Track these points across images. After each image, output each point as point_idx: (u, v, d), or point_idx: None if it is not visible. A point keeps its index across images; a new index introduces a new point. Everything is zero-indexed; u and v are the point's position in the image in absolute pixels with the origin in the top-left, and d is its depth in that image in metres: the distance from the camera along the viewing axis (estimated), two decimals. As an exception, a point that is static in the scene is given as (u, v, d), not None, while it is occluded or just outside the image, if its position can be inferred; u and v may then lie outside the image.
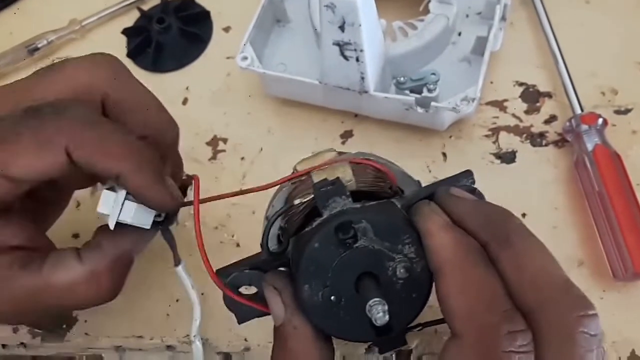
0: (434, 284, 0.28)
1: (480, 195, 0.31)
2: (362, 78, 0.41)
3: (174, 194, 0.31)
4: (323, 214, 0.29)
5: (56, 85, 0.32)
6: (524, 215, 0.43)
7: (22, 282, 0.31)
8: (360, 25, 0.38)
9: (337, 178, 0.30)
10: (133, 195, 0.31)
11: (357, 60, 0.40)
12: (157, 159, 0.32)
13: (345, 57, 0.40)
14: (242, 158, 0.48)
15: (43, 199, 0.36)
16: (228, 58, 0.52)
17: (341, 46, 0.39)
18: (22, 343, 0.45)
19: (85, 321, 0.44)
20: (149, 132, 0.34)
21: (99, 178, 0.34)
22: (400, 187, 0.33)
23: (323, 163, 0.32)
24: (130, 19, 0.56)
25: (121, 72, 0.35)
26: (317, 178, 0.31)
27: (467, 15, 0.48)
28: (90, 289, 0.32)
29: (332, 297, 0.28)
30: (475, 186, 0.32)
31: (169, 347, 0.44)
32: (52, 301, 0.32)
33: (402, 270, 0.28)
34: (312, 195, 0.30)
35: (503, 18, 0.46)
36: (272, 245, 0.32)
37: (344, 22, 0.38)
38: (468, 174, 0.31)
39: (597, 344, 0.24)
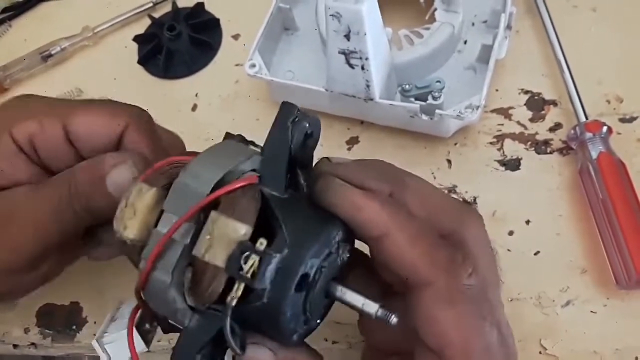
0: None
1: (316, 125, 0.29)
2: (368, 86, 0.42)
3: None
4: (259, 288, 0.25)
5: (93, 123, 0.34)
6: (527, 222, 0.43)
7: (41, 194, 0.32)
8: (365, 34, 0.38)
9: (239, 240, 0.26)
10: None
11: (363, 68, 0.40)
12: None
13: (351, 66, 0.41)
14: (250, 163, 0.49)
15: None
16: (237, 65, 0.53)
17: (347, 54, 0.40)
18: (32, 343, 0.46)
19: (95, 322, 0.45)
20: None
21: None
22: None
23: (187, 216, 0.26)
24: (141, 26, 0.57)
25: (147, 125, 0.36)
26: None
27: (473, 24, 0.49)
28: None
29: (308, 320, 0.28)
30: (308, 114, 0.28)
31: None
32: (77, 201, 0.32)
33: (346, 255, 0.28)
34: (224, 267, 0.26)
35: (508, 26, 0.46)
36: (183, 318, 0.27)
37: (349, 31, 0.38)
38: (288, 108, 0.28)
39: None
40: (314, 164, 0.31)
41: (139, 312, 0.30)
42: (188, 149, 0.39)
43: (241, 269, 0.25)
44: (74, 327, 0.45)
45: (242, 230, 0.25)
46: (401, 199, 0.29)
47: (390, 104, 0.43)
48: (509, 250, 0.43)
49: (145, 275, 0.26)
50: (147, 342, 0.31)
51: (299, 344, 0.29)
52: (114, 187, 0.31)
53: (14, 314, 0.46)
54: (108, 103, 0.35)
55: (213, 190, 0.26)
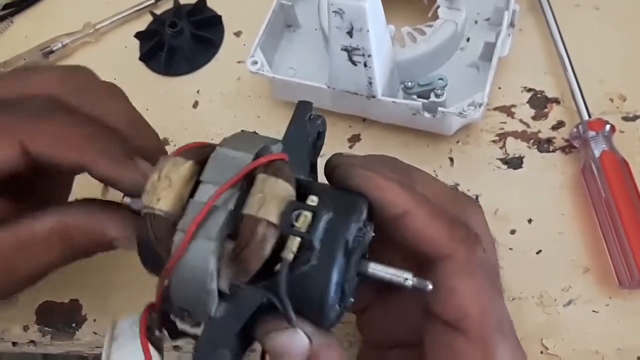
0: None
1: (325, 125, 0.31)
2: (370, 83, 0.42)
3: (146, 172, 0.29)
4: (314, 243, 0.25)
5: (23, 90, 0.32)
6: (530, 220, 0.43)
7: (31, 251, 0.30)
8: (368, 31, 0.38)
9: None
10: (102, 181, 0.30)
11: (365, 65, 0.40)
12: (119, 141, 0.31)
13: (354, 63, 0.40)
14: (251, 161, 0.49)
15: (33, 190, 0.35)
16: (239, 62, 0.53)
17: (349, 51, 0.40)
18: (31, 341, 0.46)
19: (94, 320, 0.45)
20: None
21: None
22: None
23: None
24: (143, 23, 0.56)
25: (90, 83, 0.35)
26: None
27: (476, 22, 0.48)
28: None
29: (344, 297, 0.27)
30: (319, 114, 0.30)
31: (175, 347, 0.44)
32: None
33: (371, 234, 0.28)
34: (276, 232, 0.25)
35: (511, 24, 0.46)
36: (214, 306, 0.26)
37: (352, 28, 0.38)
38: (305, 105, 0.29)
39: None
40: (325, 162, 0.31)
41: (148, 319, 0.28)
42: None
43: (293, 226, 0.25)
44: (74, 324, 0.45)
45: (291, 190, 0.26)
46: (412, 185, 0.30)
47: (393, 102, 0.43)
48: (510, 249, 0.43)
49: (185, 243, 0.24)
50: (161, 351, 0.29)
51: (331, 327, 0.28)
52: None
53: (14, 312, 0.46)
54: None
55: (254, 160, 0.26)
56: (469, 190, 0.45)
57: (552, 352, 0.39)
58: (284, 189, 0.25)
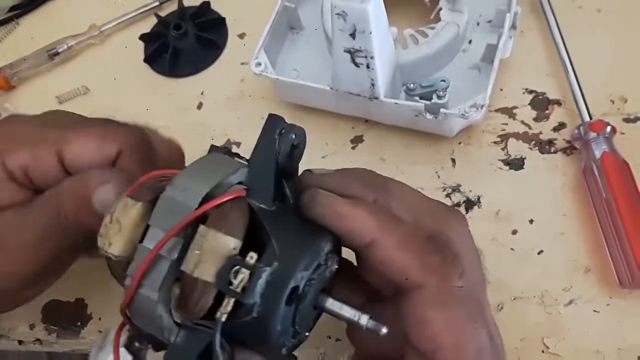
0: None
1: (302, 136, 0.29)
2: (373, 85, 0.42)
3: None
4: (248, 303, 0.25)
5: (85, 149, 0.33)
6: (531, 221, 0.44)
7: (29, 218, 0.32)
8: (370, 33, 0.38)
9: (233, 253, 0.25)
10: None
11: (368, 67, 0.41)
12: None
13: (356, 64, 0.41)
14: (255, 162, 0.49)
15: None
16: (242, 64, 0.53)
17: (352, 53, 0.40)
18: (37, 339, 0.46)
19: (100, 319, 0.45)
20: None
21: None
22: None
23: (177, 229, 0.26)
24: (147, 25, 0.57)
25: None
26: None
27: (478, 23, 0.49)
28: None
29: (298, 333, 0.28)
30: (293, 125, 0.28)
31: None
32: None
33: (335, 266, 0.28)
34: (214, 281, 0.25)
35: (513, 26, 0.46)
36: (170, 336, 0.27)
37: (355, 30, 0.39)
38: (275, 122, 0.27)
39: None
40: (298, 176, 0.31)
41: (127, 332, 0.29)
42: (193, 146, 0.39)
43: (231, 283, 0.24)
44: (79, 323, 0.46)
45: (232, 244, 0.25)
46: (386, 204, 0.29)
47: (395, 103, 0.43)
48: (512, 249, 0.43)
49: (131, 292, 0.26)
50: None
51: (287, 358, 0.29)
52: (101, 205, 0.30)
53: (20, 310, 0.46)
54: (101, 125, 0.33)
55: (201, 203, 0.26)
56: (470, 191, 0.45)
57: (553, 352, 0.40)
58: (224, 244, 0.25)
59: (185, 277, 0.26)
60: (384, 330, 0.27)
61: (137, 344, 0.30)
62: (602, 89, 0.47)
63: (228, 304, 0.25)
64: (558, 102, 0.47)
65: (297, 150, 0.29)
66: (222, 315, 0.25)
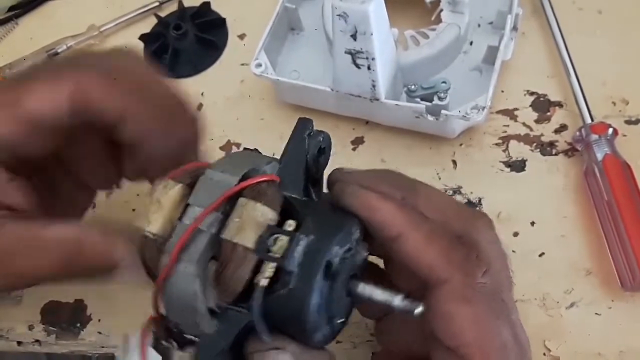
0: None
1: (328, 141, 0.31)
2: (374, 86, 0.42)
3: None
4: (288, 267, 0.26)
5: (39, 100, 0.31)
6: (532, 223, 0.43)
7: (8, 229, 0.30)
8: (372, 34, 0.38)
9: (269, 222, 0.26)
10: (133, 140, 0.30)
11: (369, 68, 0.40)
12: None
13: (357, 66, 0.41)
14: (255, 163, 0.49)
15: (60, 193, 0.36)
16: (242, 65, 0.53)
17: (353, 54, 0.40)
18: (36, 340, 0.46)
19: (99, 320, 0.45)
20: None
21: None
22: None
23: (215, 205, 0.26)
24: (147, 26, 0.57)
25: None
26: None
27: (479, 25, 0.49)
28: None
29: (332, 317, 0.28)
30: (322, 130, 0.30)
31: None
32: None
33: (365, 253, 0.29)
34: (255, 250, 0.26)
35: (514, 28, 0.46)
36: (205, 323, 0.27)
37: (355, 31, 0.38)
38: (305, 123, 0.29)
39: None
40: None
41: (152, 332, 0.29)
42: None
43: (269, 251, 0.25)
44: (79, 324, 0.46)
45: (270, 215, 0.26)
46: (413, 203, 0.29)
47: (396, 104, 0.43)
48: (513, 251, 0.43)
49: (168, 267, 0.25)
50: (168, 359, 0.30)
51: (321, 346, 0.28)
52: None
53: (19, 311, 0.46)
54: (51, 67, 0.31)
55: (239, 182, 0.27)
56: (471, 192, 0.45)
57: (554, 354, 0.39)
58: (263, 214, 0.26)
59: (225, 246, 0.26)
60: (420, 309, 0.27)
61: (164, 343, 0.29)
62: (604, 91, 0.47)
63: (267, 269, 0.25)
64: (559, 104, 0.47)
65: (323, 156, 0.30)
66: (263, 279, 0.25)
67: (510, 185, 0.45)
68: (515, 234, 0.43)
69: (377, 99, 0.43)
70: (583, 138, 0.43)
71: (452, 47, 0.46)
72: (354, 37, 0.39)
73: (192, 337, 0.28)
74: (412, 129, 0.46)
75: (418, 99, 0.43)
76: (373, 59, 0.40)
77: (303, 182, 0.29)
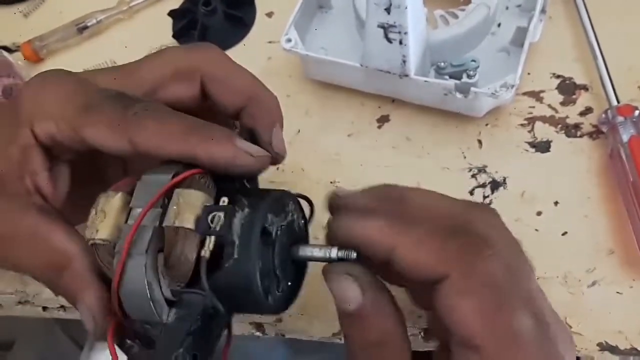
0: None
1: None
2: (404, 62, 0.42)
3: (251, 151, 0.30)
4: (229, 237, 0.27)
5: (157, 67, 0.34)
6: (556, 203, 0.44)
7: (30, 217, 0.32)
8: (406, 8, 0.39)
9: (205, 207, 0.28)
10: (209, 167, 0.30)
11: (401, 43, 0.41)
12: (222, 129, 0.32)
13: (389, 40, 0.41)
14: (281, 138, 0.50)
15: (105, 178, 0.37)
16: (270, 42, 0.54)
17: (386, 28, 0.41)
18: (62, 306, 0.47)
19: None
20: (244, 99, 0.35)
21: None
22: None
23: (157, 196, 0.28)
24: (176, 1, 0.57)
25: (219, 55, 0.36)
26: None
27: (507, 7, 0.49)
28: None
29: (280, 282, 0.29)
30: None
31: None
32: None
33: (302, 221, 0.31)
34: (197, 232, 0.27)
35: (543, 10, 0.47)
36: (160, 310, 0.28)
37: (390, 4, 0.39)
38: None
39: None
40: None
41: (116, 330, 0.30)
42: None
43: (209, 227, 0.27)
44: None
45: (204, 197, 0.27)
46: (402, 212, 0.29)
47: (425, 81, 0.43)
48: (536, 230, 0.43)
49: (121, 262, 0.27)
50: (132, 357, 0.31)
51: (276, 312, 0.30)
52: None
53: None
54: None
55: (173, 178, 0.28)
56: (496, 172, 0.45)
57: (575, 331, 0.40)
58: (198, 197, 0.27)
59: (168, 233, 0.27)
60: (354, 254, 0.28)
61: (128, 342, 0.30)
62: (630, 75, 0.47)
63: (210, 243, 0.26)
64: (585, 88, 0.48)
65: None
66: (206, 252, 0.26)
67: (534, 165, 0.45)
68: (539, 213, 0.44)
69: (407, 75, 0.43)
70: (609, 120, 0.44)
71: (480, 28, 0.47)
72: (387, 10, 0.39)
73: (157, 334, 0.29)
74: (439, 108, 0.47)
75: (447, 77, 0.43)
76: (406, 33, 0.40)
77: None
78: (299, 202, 0.31)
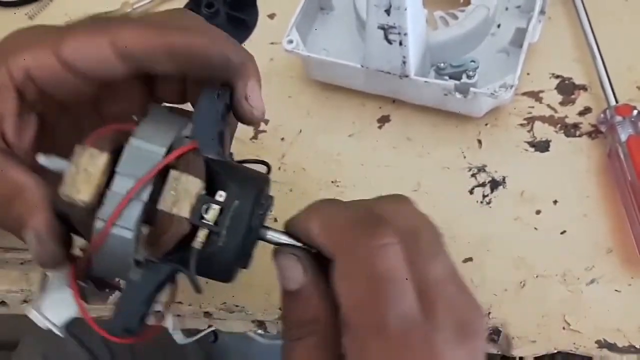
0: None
1: (226, 96, 0.32)
2: (404, 62, 0.43)
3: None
4: (221, 228, 0.29)
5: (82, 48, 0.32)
6: (555, 202, 0.44)
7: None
8: (406, 9, 0.39)
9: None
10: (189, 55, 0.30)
11: (400, 44, 0.41)
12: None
13: (389, 41, 0.42)
14: (282, 139, 0.50)
15: (82, 129, 0.36)
16: (272, 43, 0.54)
17: (386, 30, 0.41)
18: (67, 304, 0.47)
19: (129, 285, 0.46)
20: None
21: None
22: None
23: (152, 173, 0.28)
24: (180, 3, 0.58)
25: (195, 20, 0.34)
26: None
27: (507, 8, 0.50)
28: None
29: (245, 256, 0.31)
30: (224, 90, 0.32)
31: (206, 314, 0.46)
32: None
33: (270, 205, 0.32)
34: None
35: (542, 11, 0.47)
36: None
37: (390, 6, 0.39)
38: (212, 87, 0.31)
39: None
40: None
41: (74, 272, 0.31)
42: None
43: (203, 218, 0.28)
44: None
45: (200, 184, 0.28)
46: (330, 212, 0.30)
47: (425, 81, 0.44)
48: (536, 228, 0.44)
49: (105, 233, 0.27)
50: (85, 298, 0.32)
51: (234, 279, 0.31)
52: None
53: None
54: (97, 21, 0.32)
55: (166, 153, 0.28)
56: (496, 171, 0.46)
57: (574, 328, 0.40)
58: (195, 185, 0.28)
59: (162, 216, 0.28)
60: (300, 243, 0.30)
61: (81, 283, 0.31)
62: (629, 76, 0.48)
63: (201, 234, 0.28)
64: (584, 88, 0.48)
65: (228, 112, 0.33)
66: (198, 243, 0.28)
67: (534, 165, 0.46)
68: (538, 212, 0.44)
69: (407, 76, 0.44)
70: (607, 119, 0.44)
71: (480, 29, 0.47)
72: (387, 11, 0.40)
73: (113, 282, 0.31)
74: (438, 108, 0.47)
75: (447, 77, 0.44)
76: (405, 34, 0.41)
77: (217, 141, 0.31)
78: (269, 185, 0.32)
